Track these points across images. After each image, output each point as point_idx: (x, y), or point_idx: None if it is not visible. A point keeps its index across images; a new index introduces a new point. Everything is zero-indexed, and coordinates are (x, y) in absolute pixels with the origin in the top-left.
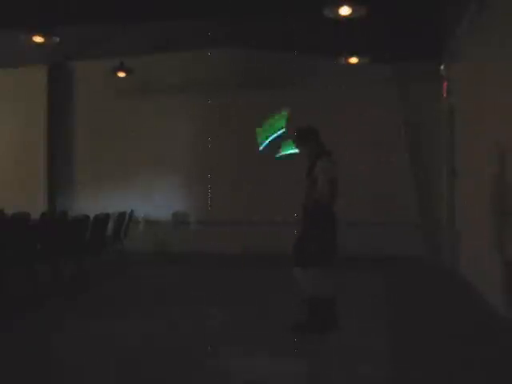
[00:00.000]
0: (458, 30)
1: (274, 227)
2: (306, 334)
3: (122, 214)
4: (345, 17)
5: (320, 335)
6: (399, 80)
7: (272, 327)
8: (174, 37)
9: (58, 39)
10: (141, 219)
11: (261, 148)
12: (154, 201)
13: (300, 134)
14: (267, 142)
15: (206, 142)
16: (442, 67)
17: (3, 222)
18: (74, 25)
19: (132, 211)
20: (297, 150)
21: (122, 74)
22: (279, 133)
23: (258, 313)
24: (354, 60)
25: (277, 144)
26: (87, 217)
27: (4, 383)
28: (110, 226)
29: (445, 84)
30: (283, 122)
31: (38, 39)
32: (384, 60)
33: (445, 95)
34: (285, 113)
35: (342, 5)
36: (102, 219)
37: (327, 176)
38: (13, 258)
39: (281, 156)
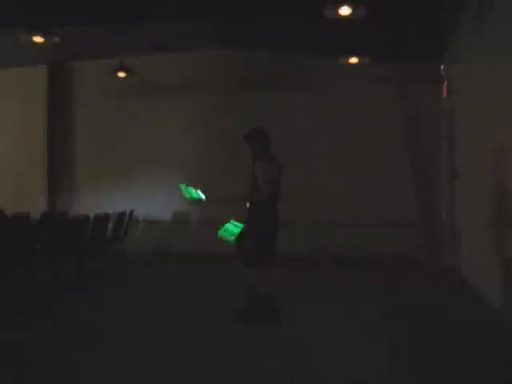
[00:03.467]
0: (458, 29)
1: None
2: (247, 324)
3: (122, 214)
4: (345, 17)
5: (260, 327)
6: (399, 80)
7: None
8: (174, 37)
9: (58, 39)
10: (141, 219)
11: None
12: (153, 201)
13: (248, 135)
14: (195, 196)
15: (206, 141)
16: (442, 67)
17: (3, 221)
18: (74, 25)
19: (132, 211)
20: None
21: (122, 74)
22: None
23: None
24: (354, 60)
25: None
26: (87, 217)
27: (4, 383)
28: (110, 226)
29: (445, 84)
30: (195, 193)
31: (38, 39)
32: (384, 60)
33: (445, 95)
34: (188, 188)
35: (342, 5)
36: (102, 219)
37: (266, 178)
38: (13, 257)
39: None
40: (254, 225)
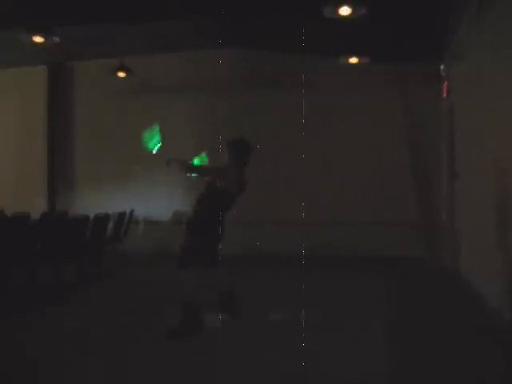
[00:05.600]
0: (459, 29)
1: (275, 227)
2: (180, 338)
3: (122, 214)
4: (345, 17)
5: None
6: (399, 80)
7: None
8: (174, 37)
9: (58, 39)
10: (141, 219)
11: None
12: (153, 201)
13: (227, 142)
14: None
15: (206, 141)
16: (442, 67)
17: (3, 221)
18: (74, 25)
19: (132, 211)
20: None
21: (122, 74)
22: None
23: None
24: (354, 60)
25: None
26: (87, 217)
27: (4, 383)
28: (110, 226)
29: (445, 84)
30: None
31: (38, 39)
32: (384, 60)
33: (445, 95)
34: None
35: (341, 5)
36: (102, 219)
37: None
38: (13, 257)
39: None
40: (194, 223)
